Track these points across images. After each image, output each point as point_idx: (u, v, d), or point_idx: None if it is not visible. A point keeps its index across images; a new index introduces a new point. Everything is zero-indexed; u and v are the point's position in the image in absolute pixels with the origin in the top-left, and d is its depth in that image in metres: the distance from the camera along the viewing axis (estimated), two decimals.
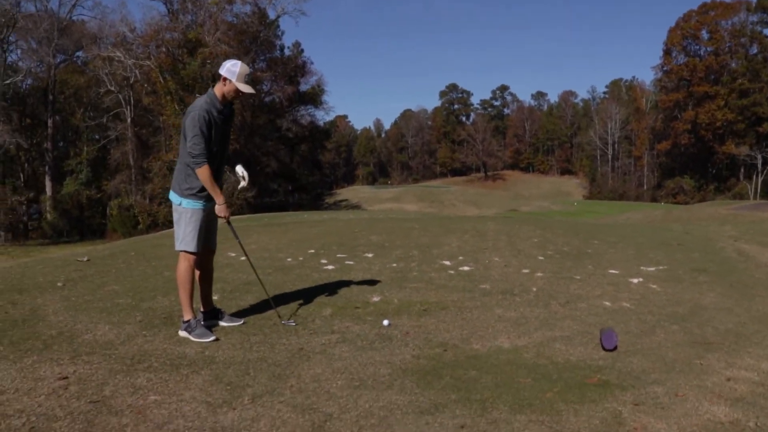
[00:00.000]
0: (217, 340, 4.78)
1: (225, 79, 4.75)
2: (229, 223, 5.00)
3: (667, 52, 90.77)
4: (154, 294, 6.27)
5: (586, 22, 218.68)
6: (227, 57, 43.82)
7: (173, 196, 4.84)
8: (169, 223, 41.87)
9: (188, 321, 4.85)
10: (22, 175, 52.14)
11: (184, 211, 4.79)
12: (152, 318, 5.35)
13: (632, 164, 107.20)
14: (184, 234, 4.80)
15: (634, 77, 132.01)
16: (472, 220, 14.75)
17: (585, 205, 73.47)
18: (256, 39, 52.22)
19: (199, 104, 4.68)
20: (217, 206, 4.85)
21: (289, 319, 5.26)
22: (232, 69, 4.75)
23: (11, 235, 44.30)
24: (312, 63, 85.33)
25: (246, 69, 4.79)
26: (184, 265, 4.85)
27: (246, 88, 4.77)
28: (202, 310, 5.16)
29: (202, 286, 5.14)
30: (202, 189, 4.77)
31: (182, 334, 4.87)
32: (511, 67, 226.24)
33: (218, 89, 4.79)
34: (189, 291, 4.87)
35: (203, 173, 4.65)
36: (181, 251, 4.85)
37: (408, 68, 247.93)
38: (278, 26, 58.86)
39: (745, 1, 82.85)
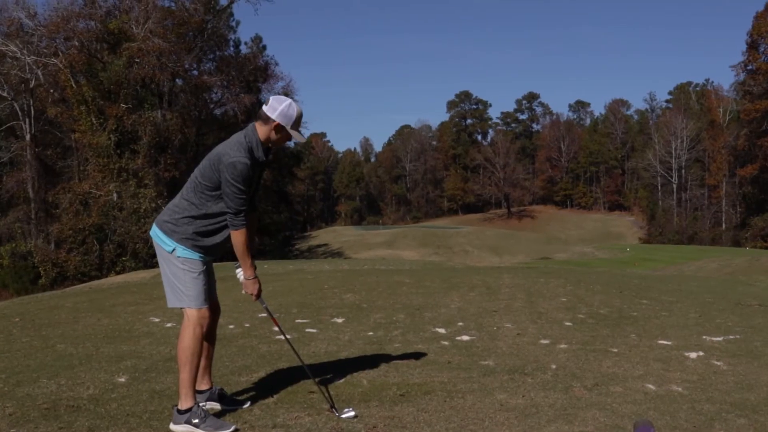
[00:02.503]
0: (237, 431, 4.81)
1: (278, 124, 4.87)
2: (260, 300, 5.11)
3: (752, 46, 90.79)
4: (38, 375, 6.20)
5: (640, 8, 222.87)
6: (161, 54, 44.33)
7: (163, 240, 4.91)
8: (82, 277, 41.77)
9: (189, 410, 4.84)
10: None
11: (177, 261, 4.88)
12: (28, 410, 5.26)
13: (706, 196, 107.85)
14: (185, 286, 4.89)
15: (707, 80, 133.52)
16: (481, 272, 14.77)
17: (641, 251, 73.77)
18: (201, 31, 52.86)
19: (241, 151, 4.77)
20: (244, 281, 4.99)
21: (345, 411, 5.08)
22: (287, 113, 4.87)
23: None
24: (277, 64, 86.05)
25: (300, 111, 4.94)
26: (191, 332, 4.86)
27: (299, 137, 4.94)
28: (202, 388, 5.19)
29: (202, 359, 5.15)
30: (206, 235, 4.90)
31: (181, 429, 4.81)
32: (542, 69, 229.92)
33: (262, 131, 4.89)
34: (195, 368, 4.90)
35: (240, 237, 4.82)
36: (186, 309, 4.91)
37: (406, 71, 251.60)
38: (231, 15, 59.78)
39: None
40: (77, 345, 7.53)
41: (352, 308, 9.82)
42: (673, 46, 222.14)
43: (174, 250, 4.87)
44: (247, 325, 8.62)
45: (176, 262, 4.89)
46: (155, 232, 4.96)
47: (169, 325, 8.71)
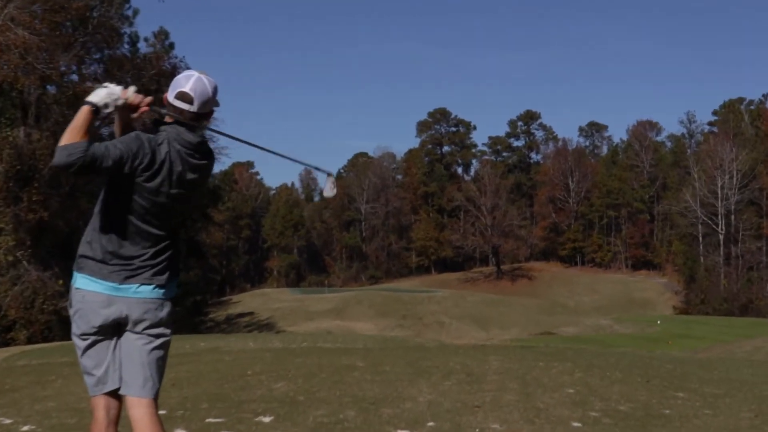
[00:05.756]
0: None
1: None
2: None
3: None
4: None
5: (672, 5, 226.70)
6: (26, 50, 44.00)
7: (160, 292, 5.14)
8: None
9: None
10: None
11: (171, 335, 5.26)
12: None
13: (764, 251, 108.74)
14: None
15: (766, 95, 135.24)
16: (460, 353, 14.79)
17: (676, 325, 74.31)
18: (84, 22, 52.70)
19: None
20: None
21: None
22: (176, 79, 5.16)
23: None
24: (189, 68, 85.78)
25: (195, 80, 5.12)
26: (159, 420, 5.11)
27: (179, 104, 5.09)
28: None
29: None
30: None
31: None
32: (544, 80, 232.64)
33: None
34: None
35: None
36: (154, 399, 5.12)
37: (362, 82, 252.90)
38: (127, 2, 59.71)
39: None
40: None
41: (285, 402, 9.74)
42: (718, 52, 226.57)
43: (169, 311, 5.22)
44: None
45: (170, 327, 5.24)
46: (155, 290, 5.10)
47: (25, 429, 8.50)
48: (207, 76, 5.11)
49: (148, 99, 5.11)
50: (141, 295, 4.97)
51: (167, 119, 5.08)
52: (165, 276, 5.10)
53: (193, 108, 4.99)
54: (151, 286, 5.04)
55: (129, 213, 4.89)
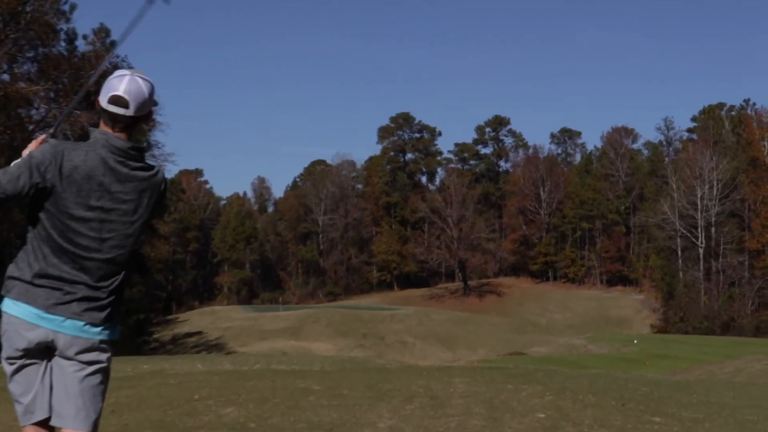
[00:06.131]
0: None
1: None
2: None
3: None
4: None
5: (651, 6, 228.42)
6: None
7: (91, 332, 5.00)
8: None
9: None
10: None
11: (110, 360, 5.13)
12: None
13: (746, 266, 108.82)
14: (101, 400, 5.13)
15: (746, 102, 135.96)
16: (424, 375, 14.76)
17: (654, 344, 74.63)
18: (15, 16, 52.32)
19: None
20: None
21: None
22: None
23: None
24: (132, 67, 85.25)
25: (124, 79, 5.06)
26: None
27: (114, 109, 5.03)
28: None
29: None
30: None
31: None
32: (514, 84, 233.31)
33: None
34: None
35: None
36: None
37: (318, 83, 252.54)
38: None
39: None
40: None
41: (234, 429, 9.74)
42: (698, 55, 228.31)
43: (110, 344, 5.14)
44: None
45: (109, 361, 5.12)
46: (91, 329, 4.99)
47: None
48: (142, 75, 5.04)
49: (40, 138, 5.06)
50: (66, 331, 4.84)
51: (107, 126, 4.98)
52: (102, 314, 4.97)
53: (129, 112, 4.91)
54: (81, 323, 4.91)
55: (51, 227, 4.82)
